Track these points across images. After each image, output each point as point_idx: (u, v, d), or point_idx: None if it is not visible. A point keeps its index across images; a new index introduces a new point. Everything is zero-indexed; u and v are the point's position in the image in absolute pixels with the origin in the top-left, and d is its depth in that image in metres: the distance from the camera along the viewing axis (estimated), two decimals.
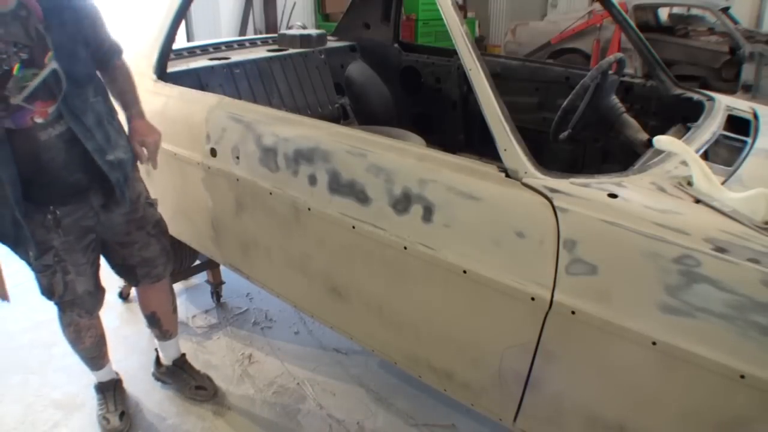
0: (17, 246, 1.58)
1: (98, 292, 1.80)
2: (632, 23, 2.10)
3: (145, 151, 1.66)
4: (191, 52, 2.61)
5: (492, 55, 5.57)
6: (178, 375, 2.12)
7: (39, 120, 1.44)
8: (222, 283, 2.66)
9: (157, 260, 1.87)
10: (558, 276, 1.15)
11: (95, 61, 1.60)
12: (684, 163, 1.25)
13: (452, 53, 2.78)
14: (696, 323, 1.01)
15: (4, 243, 1.59)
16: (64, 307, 1.76)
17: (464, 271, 1.29)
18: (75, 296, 1.71)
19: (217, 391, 2.11)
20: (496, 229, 1.23)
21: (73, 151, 1.52)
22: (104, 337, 1.94)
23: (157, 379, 2.15)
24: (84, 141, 1.52)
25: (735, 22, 6.42)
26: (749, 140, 1.53)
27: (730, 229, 1.04)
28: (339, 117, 2.94)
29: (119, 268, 1.87)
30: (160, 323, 2.03)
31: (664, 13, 7.30)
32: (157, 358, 2.16)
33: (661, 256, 1.03)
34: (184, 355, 2.15)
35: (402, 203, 1.38)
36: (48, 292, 1.68)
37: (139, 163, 1.71)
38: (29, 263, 1.63)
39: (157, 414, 2.02)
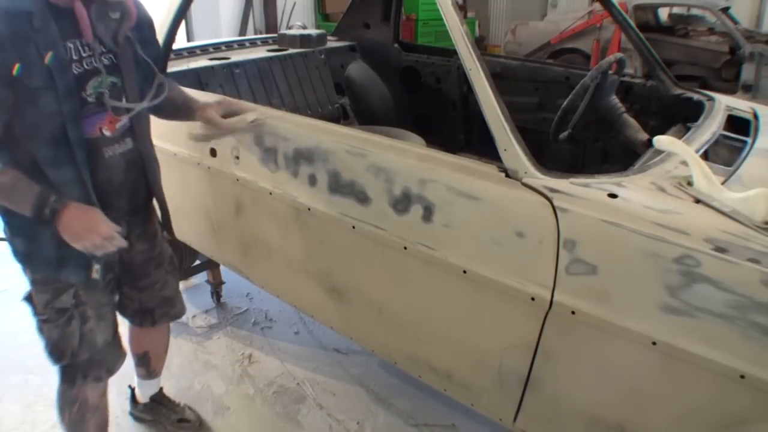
0: (61, 269, 1.33)
1: (118, 343, 1.55)
2: (632, 23, 2.10)
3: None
4: (191, 52, 2.61)
5: (492, 55, 5.57)
6: (157, 410, 1.97)
7: (107, 132, 1.32)
8: (222, 283, 2.66)
9: (176, 299, 1.73)
10: (558, 276, 1.15)
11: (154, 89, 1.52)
12: (684, 163, 1.25)
13: (452, 53, 2.78)
14: (696, 323, 1.01)
15: (44, 272, 1.36)
16: (73, 374, 1.45)
17: (464, 271, 1.29)
18: (93, 351, 1.44)
19: (201, 420, 2.00)
20: (496, 229, 1.23)
21: (129, 174, 1.41)
22: (107, 424, 1.66)
23: (136, 418, 1.99)
24: (147, 162, 1.44)
25: (735, 22, 6.42)
26: (749, 140, 1.53)
27: (730, 229, 1.04)
28: (339, 117, 2.94)
29: (133, 313, 1.67)
30: (150, 363, 1.88)
31: (664, 13, 7.30)
32: (133, 397, 1.99)
33: (661, 256, 1.03)
34: (161, 389, 2.00)
35: (402, 203, 1.38)
36: (57, 350, 1.40)
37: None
38: (36, 312, 1.40)
39: None
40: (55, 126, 1.21)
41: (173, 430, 1.96)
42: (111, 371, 1.52)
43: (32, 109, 1.18)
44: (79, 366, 1.44)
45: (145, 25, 1.41)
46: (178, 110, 1.63)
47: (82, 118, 1.25)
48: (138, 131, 1.41)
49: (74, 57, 1.24)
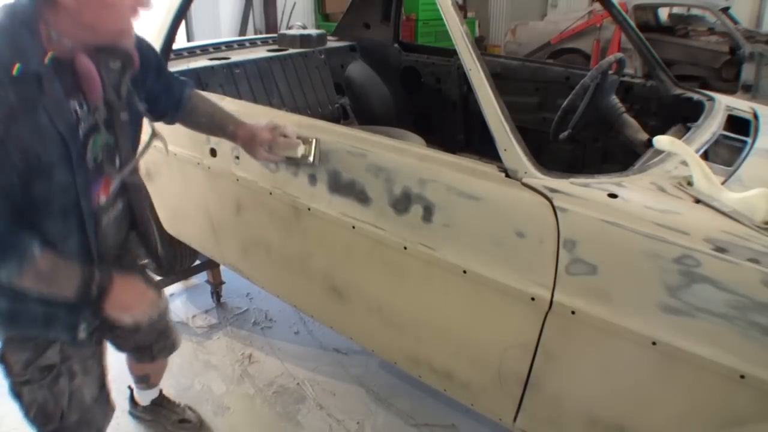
0: (48, 328, 1.20)
1: (106, 397, 1.40)
2: (632, 23, 2.10)
3: (281, 140, 1.42)
4: (191, 52, 2.61)
5: (492, 55, 5.57)
6: (157, 412, 1.95)
7: (103, 199, 1.18)
8: (222, 283, 2.66)
9: (169, 329, 1.65)
10: (558, 276, 1.15)
11: (171, 107, 1.40)
12: (684, 163, 1.25)
13: (452, 53, 2.78)
14: (696, 323, 1.01)
15: (29, 331, 1.21)
16: None
17: (464, 271, 1.29)
18: (83, 411, 1.30)
19: (202, 420, 1.99)
20: (496, 229, 1.23)
21: (119, 235, 1.31)
22: None
23: (136, 417, 1.97)
24: (140, 222, 1.31)
25: (735, 22, 6.42)
26: (749, 140, 1.53)
27: (730, 229, 1.04)
28: (339, 117, 2.94)
29: (130, 350, 1.62)
30: (150, 380, 1.86)
31: (664, 13, 7.30)
32: (132, 397, 1.96)
33: (661, 256, 1.03)
34: (161, 391, 1.97)
35: (402, 203, 1.38)
36: (42, 414, 1.25)
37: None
38: (11, 373, 1.23)
39: None
40: (66, 199, 1.08)
41: (174, 431, 1.95)
42: (101, 431, 1.39)
43: (43, 183, 1.04)
44: (68, 430, 1.29)
45: (144, 63, 1.22)
46: (206, 128, 1.52)
47: (88, 185, 1.12)
48: (131, 189, 1.28)
49: (78, 118, 1.08)
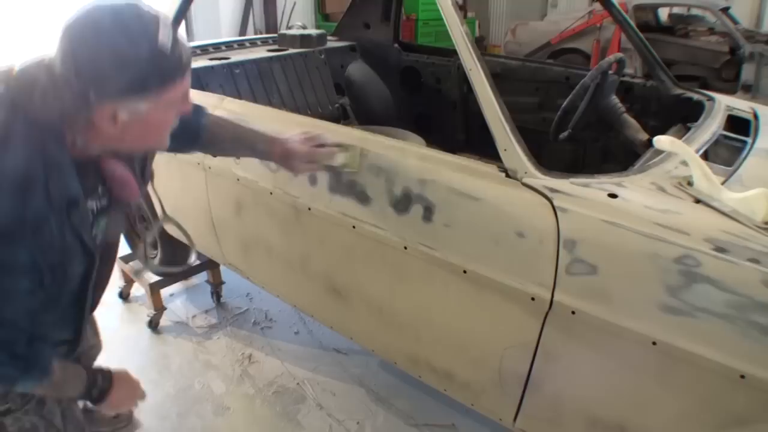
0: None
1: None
2: (632, 23, 2.10)
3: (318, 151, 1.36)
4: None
5: (492, 55, 5.57)
6: (89, 418, 1.77)
7: None
8: (222, 283, 2.67)
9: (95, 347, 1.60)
10: (558, 276, 1.15)
11: (187, 142, 1.27)
12: (684, 163, 1.25)
13: (452, 53, 2.77)
14: (696, 323, 1.01)
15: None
16: None
17: (464, 271, 1.29)
18: (79, 427, 1.29)
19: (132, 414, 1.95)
20: (497, 229, 1.23)
21: None
22: None
23: None
24: (100, 282, 1.20)
25: (735, 22, 6.42)
26: (749, 140, 1.54)
27: (730, 229, 1.04)
28: (339, 117, 2.94)
29: None
30: None
31: (664, 13, 7.30)
32: None
33: (661, 256, 1.03)
34: None
35: (402, 203, 1.38)
36: None
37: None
38: None
39: (157, 414, 2.02)
40: (73, 295, 1.05)
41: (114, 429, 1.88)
42: None
43: (57, 286, 0.98)
44: None
45: None
46: (232, 152, 1.47)
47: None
48: (103, 264, 1.15)
49: (94, 218, 1.02)
